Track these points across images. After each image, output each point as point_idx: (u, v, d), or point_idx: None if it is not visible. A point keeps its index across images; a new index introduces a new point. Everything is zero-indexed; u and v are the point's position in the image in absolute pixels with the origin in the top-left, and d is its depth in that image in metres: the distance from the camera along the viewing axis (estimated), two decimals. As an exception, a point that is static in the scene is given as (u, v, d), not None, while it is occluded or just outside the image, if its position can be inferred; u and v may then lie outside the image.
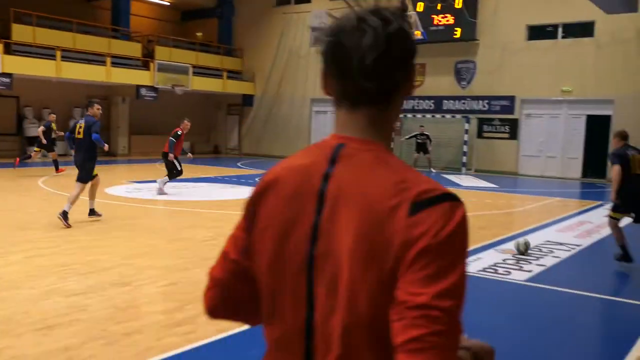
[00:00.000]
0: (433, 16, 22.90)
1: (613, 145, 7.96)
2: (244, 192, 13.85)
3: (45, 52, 20.85)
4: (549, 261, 7.63)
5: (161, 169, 19.93)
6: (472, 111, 22.76)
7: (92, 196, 9.40)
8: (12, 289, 5.57)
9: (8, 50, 20.08)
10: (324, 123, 26.69)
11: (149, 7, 29.07)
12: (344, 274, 1.09)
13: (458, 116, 22.74)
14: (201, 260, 6.92)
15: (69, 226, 8.71)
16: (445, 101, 23.47)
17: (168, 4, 29.18)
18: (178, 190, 13.71)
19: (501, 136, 22.43)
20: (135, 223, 9.37)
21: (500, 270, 7.00)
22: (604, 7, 16.55)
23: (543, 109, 21.74)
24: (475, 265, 7.08)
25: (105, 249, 7.46)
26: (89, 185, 9.31)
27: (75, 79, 21.87)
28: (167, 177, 12.96)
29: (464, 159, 22.34)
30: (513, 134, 22.21)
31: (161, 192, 12.75)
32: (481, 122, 22.69)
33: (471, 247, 7.02)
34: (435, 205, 1.05)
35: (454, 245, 1.03)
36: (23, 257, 6.83)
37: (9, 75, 19.81)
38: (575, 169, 21.18)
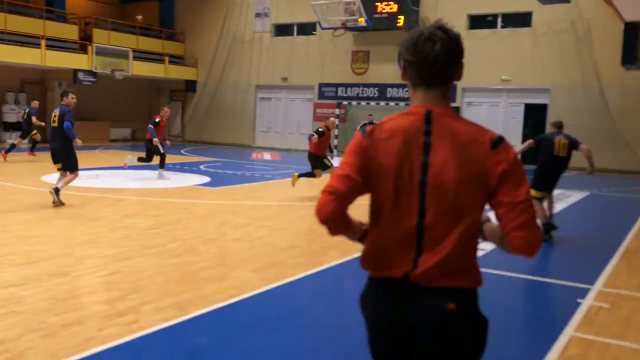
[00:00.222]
0: (377, 4, 22.96)
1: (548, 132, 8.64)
2: (188, 180, 13.65)
3: (-26, 34, 19.90)
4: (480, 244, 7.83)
5: (102, 156, 19.39)
6: (415, 99, 23.04)
7: (63, 181, 9.56)
8: (-58, 282, 5.31)
9: None
10: (269, 109, 26.42)
11: (86, -12, 28.07)
12: (451, 191, 1.80)
13: (402, 104, 23.03)
14: (143, 249, 6.79)
15: (61, 203, 9.17)
16: (390, 89, 23.72)
17: (106, -15, 28.27)
18: (119, 179, 13.39)
19: (443, 123, 22.81)
20: (74, 212, 9.08)
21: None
22: (540, -3, 16.95)
23: (483, 97, 22.30)
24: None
25: (43, 238, 7.21)
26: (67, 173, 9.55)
27: (7, 62, 20.96)
28: (160, 168, 13.69)
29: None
30: (455, 122, 22.62)
31: (162, 176, 13.65)
32: (424, 109, 22.99)
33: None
34: (502, 142, 1.85)
35: (519, 163, 1.85)
36: (-47, 249, 6.52)
37: None
38: (513, 155, 21.81)
